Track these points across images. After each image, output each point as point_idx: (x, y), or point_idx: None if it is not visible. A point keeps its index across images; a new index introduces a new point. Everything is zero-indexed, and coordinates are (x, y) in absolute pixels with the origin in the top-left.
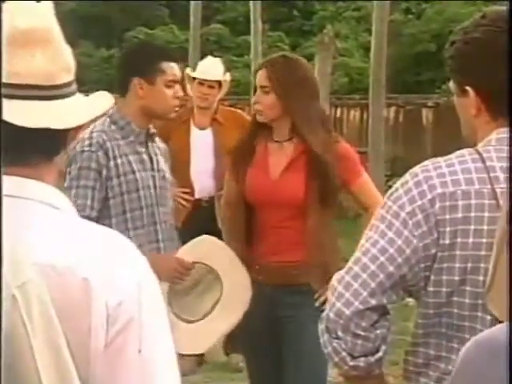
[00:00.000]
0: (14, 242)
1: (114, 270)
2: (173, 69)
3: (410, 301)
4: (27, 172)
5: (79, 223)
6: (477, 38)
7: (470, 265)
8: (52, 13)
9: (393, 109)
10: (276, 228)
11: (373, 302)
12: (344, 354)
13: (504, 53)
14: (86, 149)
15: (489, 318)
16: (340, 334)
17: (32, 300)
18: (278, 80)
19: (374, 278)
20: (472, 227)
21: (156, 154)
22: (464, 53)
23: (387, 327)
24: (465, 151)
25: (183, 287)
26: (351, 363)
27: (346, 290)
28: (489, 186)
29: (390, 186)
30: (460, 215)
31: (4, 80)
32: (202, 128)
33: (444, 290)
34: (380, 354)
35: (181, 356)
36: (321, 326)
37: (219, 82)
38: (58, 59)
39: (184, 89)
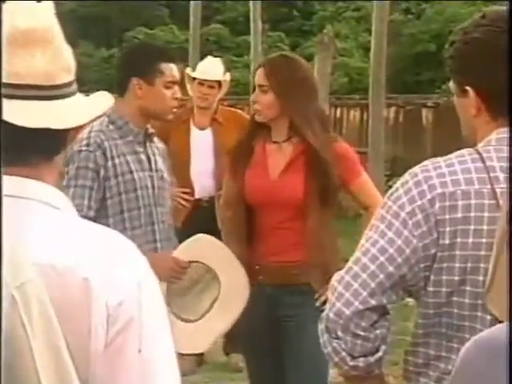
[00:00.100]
0: (14, 242)
1: (114, 270)
2: (172, 70)
3: (410, 301)
4: (27, 172)
5: (79, 223)
6: (477, 38)
7: (469, 265)
8: (52, 13)
9: (393, 109)
10: (275, 229)
11: (373, 302)
12: (344, 354)
13: (504, 53)
14: (84, 148)
15: (489, 317)
16: (340, 333)
17: (31, 300)
18: (276, 79)
19: (373, 278)
20: (472, 227)
21: (154, 154)
22: (464, 53)
23: (387, 327)
24: (465, 151)
25: (182, 287)
26: (351, 363)
27: (345, 290)
28: (489, 186)
29: (390, 186)
30: (460, 215)
31: (4, 80)
32: (202, 128)
33: (444, 289)
34: (380, 354)
35: (181, 356)
36: (321, 326)
37: (219, 82)
38: (58, 59)
39: (184, 89)
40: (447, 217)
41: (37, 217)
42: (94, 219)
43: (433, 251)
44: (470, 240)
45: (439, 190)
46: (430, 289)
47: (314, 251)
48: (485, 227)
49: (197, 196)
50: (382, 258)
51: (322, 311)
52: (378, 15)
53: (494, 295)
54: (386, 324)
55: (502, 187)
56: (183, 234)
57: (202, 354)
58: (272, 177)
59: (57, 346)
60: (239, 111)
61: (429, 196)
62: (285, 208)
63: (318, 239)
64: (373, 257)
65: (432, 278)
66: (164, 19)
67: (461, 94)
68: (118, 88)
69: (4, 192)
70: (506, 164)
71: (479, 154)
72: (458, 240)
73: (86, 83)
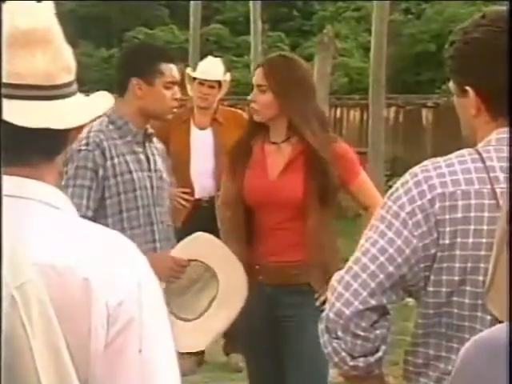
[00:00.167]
0: (14, 242)
1: (115, 270)
2: (172, 70)
3: (410, 301)
4: (27, 172)
5: (79, 223)
6: (476, 38)
7: (469, 265)
8: (53, 13)
9: (393, 109)
10: (275, 229)
11: (372, 302)
12: (344, 354)
13: (504, 53)
14: (83, 148)
15: (489, 318)
16: (340, 334)
17: (31, 300)
18: (275, 79)
19: (373, 278)
20: (472, 227)
21: (153, 155)
22: (464, 53)
23: (387, 327)
24: (464, 151)
25: (181, 286)
26: (351, 363)
27: (345, 290)
28: (488, 186)
29: (390, 186)
30: (460, 215)
31: (4, 80)
32: (202, 128)
33: (444, 290)
34: (380, 354)
35: (181, 356)
36: (321, 326)
37: (219, 82)
38: (59, 59)
39: (184, 89)
40: (447, 217)
41: (37, 217)
42: (93, 219)
43: (433, 251)
44: (470, 240)
45: (439, 190)
46: (430, 289)
47: (314, 251)
48: (485, 227)
49: (197, 196)
50: (381, 258)
51: (322, 311)
52: (377, 15)
53: (493, 295)
54: (386, 324)
55: (501, 187)
56: (183, 234)
57: (202, 354)
58: (271, 177)
59: (57, 346)
60: (239, 111)
61: (429, 196)
62: (284, 208)
63: (317, 239)
64: (373, 257)
65: (432, 278)
66: (164, 19)
67: (461, 94)
68: (118, 88)
69: (4, 192)
70: (505, 164)
71: (479, 154)
72: (458, 240)
73: (86, 83)
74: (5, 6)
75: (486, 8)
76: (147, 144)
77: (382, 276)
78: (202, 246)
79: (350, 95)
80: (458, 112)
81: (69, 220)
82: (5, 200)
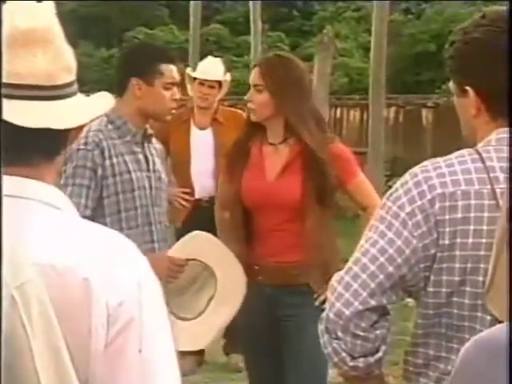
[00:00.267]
0: (14, 242)
1: (115, 270)
2: (171, 71)
3: (410, 301)
4: (27, 172)
5: (79, 223)
6: (476, 38)
7: (469, 265)
8: (53, 13)
9: (393, 109)
10: (273, 231)
11: (372, 302)
12: (344, 354)
13: (504, 53)
14: (82, 147)
15: (488, 318)
16: (340, 334)
17: (31, 300)
18: (271, 79)
19: (373, 279)
20: (471, 227)
21: (152, 155)
22: (464, 53)
23: (387, 328)
24: (464, 151)
25: (179, 286)
26: (351, 364)
27: (345, 291)
28: (488, 187)
29: (390, 186)
30: (459, 215)
31: (5, 80)
32: (202, 128)
33: (444, 290)
34: (380, 354)
35: (181, 356)
36: (320, 327)
37: (219, 82)
38: (59, 59)
39: (184, 89)
40: (447, 217)
41: (37, 217)
42: (91, 218)
43: (433, 251)
44: (470, 240)
45: (439, 191)
46: (430, 289)
47: (313, 252)
48: (484, 227)
49: (197, 196)
50: (381, 259)
51: (322, 311)
52: (377, 15)
53: (493, 295)
54: (385, 324)
55: (501, 187)
56: (183, 233)
57: (202, 354)
58: (269, 179)
59: (57, 347)
60: (239, 111)
61: (429, 196)
62: (282, 210)
63: (316, 240)
64: (373, 257)
65: (432, 278)
66: (164, 19)
67: (461, 94)
68: (118, 88)
69: (4, 192)
70: (505, 164)
71: (479, 154)
72: (458, 240)
73: (86, 83)
74: (5, 6)
75: (486, 8)
76: (146, 144)
77: (381, 276)
78: (199, 245)
79: (350, 95)
80: (458, 112)
81: (69, 220)
82: (5, 200)
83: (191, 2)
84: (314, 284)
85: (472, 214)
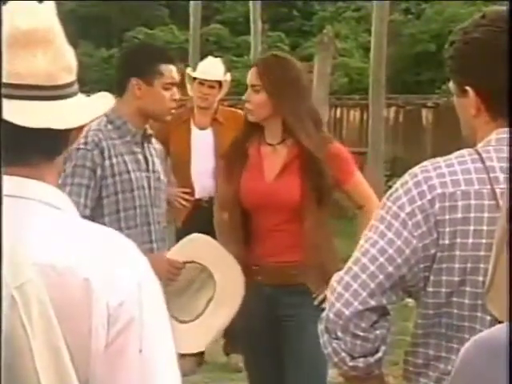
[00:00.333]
0: (14, 242)
1: (115, 270)
2: (171, 71)
3: (410, 301)
4: (28, 172)
5: (80, 223)
6: (476, 38)
7: (469, 265)
8: (54, 13)
9: (393, 109)
10: (272, 231)
11: (372, 302)
12: (343, 354)
13: (504, 53)
14: (82, 147)
15: (488, 318)
16: (339, 334)
17: (31, 301)
18: (268, 79)
19: (373, 279)
20: (471, 228)
21: (151, 155)
22: (464, 53)
23: (387, 328)
24: (464, 151)
25: (177, 288)
26: (350, 364)
27: (345, 291)
28: (488, 187)
29: (390, 186)
30: (459, 216)
31: (5, 80)
32: (203, 128)
33: (443, 290)
34: (379, 354)
35: (181, 356)
36: (320, 327)
37: (219, 82)
38: (60, 59)
39: (184, 89)
40: (447, 217)
41: (37, 217)
42: (90, 218)
43: (432, 251)
44: (470, 240)
45: (439, 191)
46: (430, 289)
47: (311, 253)
48: (484, 228)
49: (197, 196)
50: (381, 259)
51: (321, 311)
52: (377, 15)
53: (493, 295)
54: (385, 324)
55: (501, 188)
56: (183, 234)
57: (202, 354)
58: (268, 179)
59: (57, 347)
60: (239, 111)
61: (429, 196)
62: (281, 210)
63: (314, 241)
64: (372, 257)
65: (432, 278)
66: (164, 19)
67: (461, 94)
68: (117, 88)
69: (4, 192)
70: (505, 164)
71: (479, 154)
72: (458, 240)
73: (86, 83)
74: (6, 6)
75: (486, 8)
76: (146, 145)
77: (381, 276)
78: (198, 248)
79: (350, 95)
80: (458, 112)
81: (69, 220)
82: (5, 200)
83: (191, 1)
84: (312, 284)
85: (472, 215)
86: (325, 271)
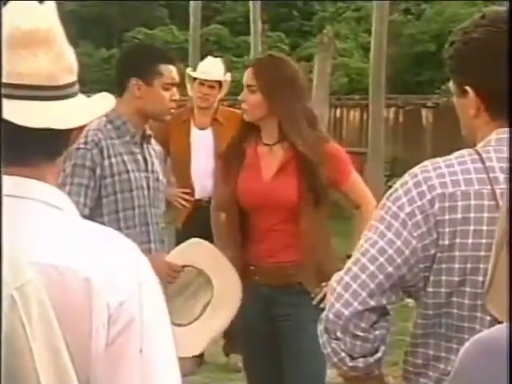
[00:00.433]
0: (15, 242)
1: (115, 270)
2: (171, 72)
3: (410, 301)
4: (28, 172)
5: (80, 223)
6: (476, 38)
7: (469, 265)
8: (55, 14)
9: (392, 109)
10: (269, 231)
11: (372, 302)
12: (343, 354)
13: (503, 53)
14: (81, 146)
15: (488, 318)
16: (339, 334)
17: (31, 301)
18: (263, 79)
19: (373, 279)
20: (471, 228)
21: (151, 156)
22: (463, 53)
23: (386, 328)
24: (464, 152)
25: (175, 290)
26: (350, 364)
27: (345, 291)
28: (488, 187)
29: (390, 187)
30: (459, 216)
31: (6, 80)
32: (203, 128)
33: (443, 290)
34: (379, 354)
35: (181, 356)
36: (320, 327)
37: (220, 83)
38: (61, 60)
39: (184, 89)
40: (447, 217)
41: (38, 217)
42: (89, 217)
43: (432, 252)
44: (470, 241)
45: (439, 191)
46: (430, 289)
47: (308, 253)
48: (484, 228)
49: (197, 196)
50: (381, 259)
51: (319, 310)
52: (377, 15)
53: (493, 295)
54: (385, 325)
55: (501, 188)
56: (183, 234)
57: (202, 355)
58: (265, 179)
59: (56, 347)
60: (239, 111)
61: (428, 196)
62: (278, 210)
63: (311, 241)
64: (372, 257)
65: (431, 278)
66: (164, 20)
67: (460, 95)
68: (117, 88)
69: (5, 192)
70: (505, 165)
71: (479, 154)
72: (458, 241)
73: (86, 83)
74: (6, 6)
75: (486, 8)
76: (145, 145)
77: (381, 277)
78: (196, 252)
79: (350, 95)
80: (458, 112)
81: (70, 220)
82: (5, 200)
83: (191, 2)
84: (309, 284)
85: (472, 215)
86: (322, 271)
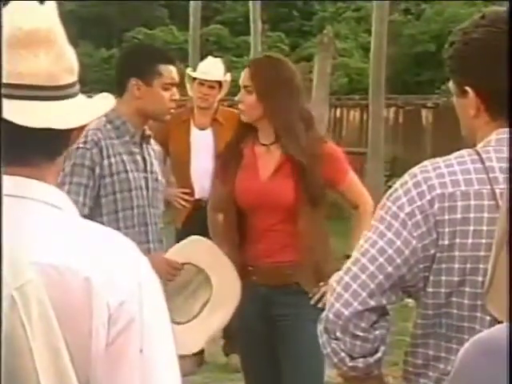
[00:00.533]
0: (15, 242)
1: (115, 270)
2: (171, 72)
3: (410, 301)
4: (28, 172)
5: (80, 223)
6: (476, 38)
7: (469, 265)
8: (55, 14)
9: (392, 109)
10: (267, 231)
11: (372, 302)
12: (343, 354)
13: (503, 53)
14: (81, 146)
15: (488, 318)
16: (339, 334)
17: (31, 301)
18: (259, 80)
19: (373, 279)
20: (471, 228)
21: (150, 156)
22: (463, 53)
23: (386, 328)
24: (464, 152)
25: (174, 288)
26: (350, 364)
27: (345, 291)
28: (488, 187)
29: (390, 187)
30: (459, 216)
31: (6, 80)
32: (202, 128)
33: (443, 290)
34: (379, 354)
35: (181, 356)
36: (320, 327)
37: (219, 83)
38: (62, 60)
39: (184, 89)
40: (446, 217)
41: (38, 217)
42: (89, 217)
43: (432, 252)
44: (470, 241)
45: (438, 191)
46: (430, 289)
47: (306, 253)
48: (484, 228)
49: (197, 196)
50: (381, 259)
51: (317, 310)
52: (377, 15)
53: (493, 295)
54: (385, 325)
55: (501, 188)
56: (183, 234)
57: (202, 355)
58: (262, 179)
59: (56, 348)
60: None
61: (428, 197)
62: (276, 210)
63: (308, 241)
64: (372, 257)
65: (431, 278)
66: (164, 20)
67: (460, 95)
68: (117, 88)
69: (5, 192)
70: (505, 165)
71: (478, 154)
72: (457, 241)
73: (86, 83)
74: (7, 7)
75: (486, 8)
76: (144, 145)
77: (381, 277)
78: (196, 250)
79: (350, 95)
80: (458, 112)
81: (70, 220)
82: (5, 200)
83: (191, 2)
84: (307, 284)
85: (471, 215)
86: (320, 271)
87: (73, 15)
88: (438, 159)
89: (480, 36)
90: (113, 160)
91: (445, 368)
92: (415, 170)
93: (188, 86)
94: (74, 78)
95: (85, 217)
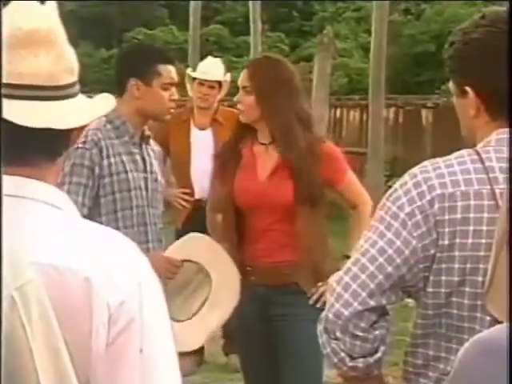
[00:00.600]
0: (15, 242)
1: (115, 270)
2: (170, 72)
3: (410, 301)
4: (28, 172)
5: (80, 223)
6: (476, 38)
7: (469, 266)
8: (56, 14)
9: (392, 109)
10: (266, 231)
11: (372, 302)
12: (343, 354)
13: (503, 53)
14: (80, 146)
15: (488, 318)
16: (339, 334)
17: (31, 302)
18: (258, 80)
19: (372, 279)
20: (471, 228)
21: (149, 156)
22: (463, 53)
23: (386, 328)
24: (464, 152)
25: (174, 287)
26: (350, 364)
27: (344, 291)
28: (488, 187)
29: (390, 187)
30: (459, 216)
31: (6, 80)
32: (202, 128)
33: (443, 290)
34: (379, 354)
35: (181, 356)
36: (319, 327)
37: (219, 83)
38: (62, 60)
39: (183, 89)
40: (446, 217)
41: (38, 217)
42: (88, 217)
43: (432, 252)
44: (469, 241)
45: (438, 191)
46: (430, 290)
47: (304, 252)
48: (484, 228)
49: (197, 196)
50: (381, 259)
51: (316, 310)
52: (377, 16)
53: (493, 295)
54: (385, 325)
55: (501, 188)
56: (183, 234)
57: (202, 354)
58: (261, 178)
59: (56, 348)
60: None
61: (428, 197)
62: (275, 210)
63: (307, 241)
64: (372, 257)
65: (431, 278)
66: (164, 20)
67: (460, 95)
68: (117, 88)
69: (5, 192)
70: (505, 165)
71: (478, 154)
72: (457, 241)
73: (86, 84)
74: (7, 7)
75: (486, 8)
76: (144, 145)
77: (381, 277)
78: (196, 247)
79: (350, 96)
80: (458, 112)
81: (70, 220)
82: (6, 200)
83: (191, 2)
84: (305, 284)
85: (471, 215)
86: (318, 271)
87: (73, 15)
88: (438, 159)
89: (480, 36)
90: (112, 160)
91: (445, 368)
92: (415, 170)
93: (188, 86)
94: (74, 78)
95: (84, 217)
